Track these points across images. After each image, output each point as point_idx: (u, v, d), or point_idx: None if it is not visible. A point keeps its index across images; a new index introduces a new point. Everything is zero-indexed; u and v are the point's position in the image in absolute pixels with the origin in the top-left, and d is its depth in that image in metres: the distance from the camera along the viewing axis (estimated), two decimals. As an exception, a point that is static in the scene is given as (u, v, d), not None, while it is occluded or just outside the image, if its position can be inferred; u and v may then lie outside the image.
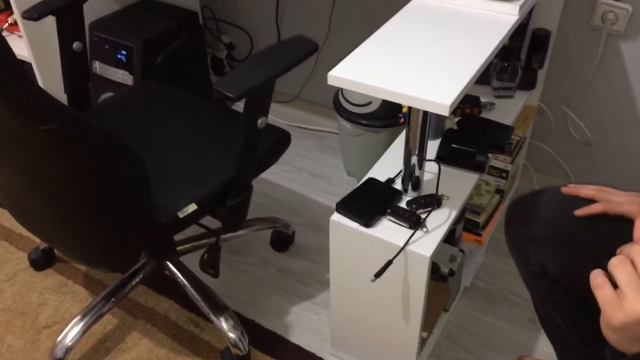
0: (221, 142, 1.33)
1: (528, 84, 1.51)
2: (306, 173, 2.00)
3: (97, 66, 1.87)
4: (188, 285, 1.43)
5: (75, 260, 1.24)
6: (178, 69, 1.95)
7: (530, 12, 1.56)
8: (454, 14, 1.12)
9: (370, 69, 0.97)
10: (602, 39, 1.56)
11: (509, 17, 1.10)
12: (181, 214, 1.15)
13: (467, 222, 1.60)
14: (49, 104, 0.86)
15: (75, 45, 1.36)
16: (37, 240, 1.73)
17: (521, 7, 1.10)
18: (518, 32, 1.57)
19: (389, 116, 1.67)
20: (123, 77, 1.83)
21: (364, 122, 1.69)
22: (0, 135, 0.97)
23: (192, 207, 1.17)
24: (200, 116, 1.42)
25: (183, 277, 1.44)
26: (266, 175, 1.99)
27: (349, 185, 1.94)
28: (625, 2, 1.49)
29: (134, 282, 1.46)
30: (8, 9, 1.98)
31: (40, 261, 1.64)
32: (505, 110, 1.45)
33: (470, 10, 1.12)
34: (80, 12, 1.36)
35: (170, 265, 1.46)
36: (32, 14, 1.28)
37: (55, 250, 1.67)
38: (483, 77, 1.48)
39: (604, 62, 1.60)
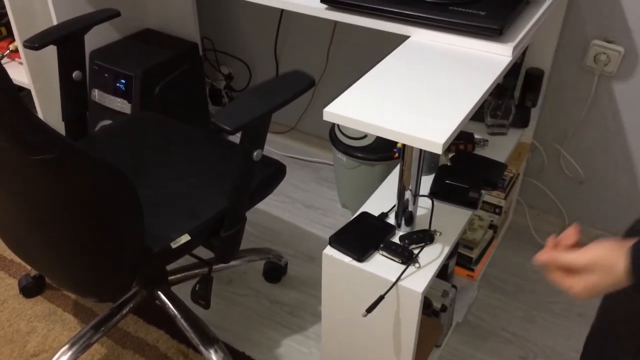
0: (216, 173, 1.34)
1: (521, 121, 1.53)
2: (300, 204, 2.01)
3: (96, 94, 1.89)
4: (179, 316, 1.42)
5: (65, 288, 1.23)
6: (176, 99, 1.97)
7: (524, 52, 1.59)
8: (449, 53, 1.14)
9: (366, 105, 0.99)
10: (595, 79, 1.58)
11: (502, 57, 1.12)
12: (174, 245, 1.15)
13: (460, 257, 1.60)
14: (46, 134, 0.87)
15: (75, 74, 1.38)
16: (28, 267, 1.72)
17: (514, 48, 1.12)
18: (512, 70, 1.60)
19: (384, 150, 1.68)
20: (121, 105, 1.84)
21: (359, 155, 1.71)
22: (-4, 163, 0.97)
23: (185, 238, 1.17)
24: (197, 147, 1.43)
25: (174, 307, 1.43)
26: (260, 205, 2.00)
27: (343, 217, 1.95)
28: (617, 44, 1.52)
29: (124, 312, 1.45)
30: (10, 36, 2.01)
31: (31, 288, 1.63)
32: (498, 147, 1.46)
33: (464, 50, 1.15)
34: (81, 42, 1.38)
35: (162, 295, 1.45)
36: (33, 43, 1.29)
37: (46, 278, 1.66)
38: (477, 114, 1.50)
39: (596, 102, 1.62)
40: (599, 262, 0.81)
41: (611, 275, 0.79)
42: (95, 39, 1.90)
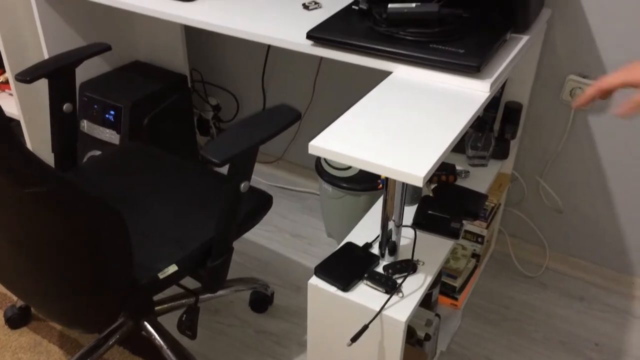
0: (204, 204, 1.36)
1: (501, 153, 1.57)
2: (287, 233, 2.03)
3: (85, 125, 1.91)
4: (165, 347, 1.42)
5: (52, 319, 1.24)
6: (165, 129, 2.00)
7: (503, 86, 1.65)
8: (430, 88, 1.18)
9: (350, 139, 1.02)
10: (571, 112, 1.64)
11: (481, 93, 1.17)
12: (162, 275, 1.17)
13: (443, 286, 1.63)
14: (39, 167, 0.89)
15: (66, 106, 1.41)
16: (14, 298, 1.72)
17: (492, 84, 1.17)
18: (491, 104, 1.65)
19: (368, 181, 1.72)
20: (110, 136, 1.87)
21: (344, 185, 1.74)
22: (-13, 195, 0.99)
23: (172, 268, 1.18)
24: (185, 177, 1.46)
25: (160, 338, 1.44)
26: (247, 234, 2.02)
27: (329, 246, 1.97)
28: (592, 79, 1.58)
29: (110, 342, 1.45)
30: (1, 68, 2.03)
31: (16, 319, 1.63)
32: (479, 178, 1.50)
33: (445, 86, 1.19)
34: (72, 75, 1.41)
35: (148, 326, 1.46)
36: (25, 77, 1.32)
37: (32, 309, 1.66)
38: (459, 146, 1.55)
39: (573, 135, 1.68)
40: None
41: None
42: (85, 70, 1.93)
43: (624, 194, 1.68)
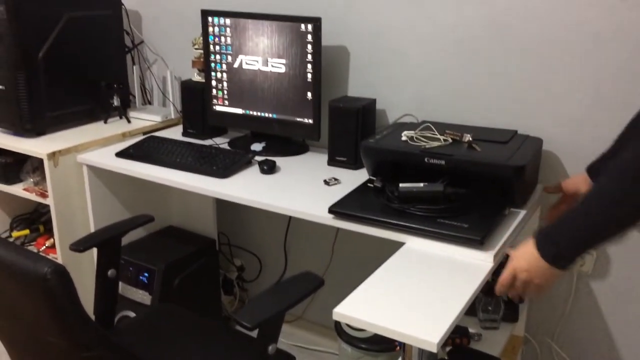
0: (231, 365, 1.44)
1: (511, 316, 1.66)
2: (306, 395, 2.05)
3: (120, 286, 2.04)
4: None
5: None
6: (192, 289, 2.13)
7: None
8: (439, 258, 1.32)
9: (369, 307, 1.14)
10: (574, 278, 1.75)
11: (485, 263, 1.30)
12: None
13: None
14: (96, 333, 1.01)
15: (110, 272, 1.55)
16: None
17: (495, 255, 1.31)
18: (499, 269, 1.77)
19: (386, 341, 1.79)
20: (142, 297, 1.99)
21: (363, 346, 1.81)
22: (42, 356, 1.10)
23: None
24: (212, 338, 1.55)
25: None
26: (267, 396, 2.04)
27: (348, 408, 1.98)
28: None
29: None
30: (47, 233, 2.23)
31: None
32: (492, 341, 1.58)
33: (452, 256, 1.33)
34: (118, 244, 1.58)
35: None
36: (78, 247, 1.48)
37: None
38: (470, 309, 1.64)
39: (578, 299, 1.77)
40: (517, 267, 1.19)
41: (533, 268, 1.14)
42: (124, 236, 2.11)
43: (634, 355, 1.73)
